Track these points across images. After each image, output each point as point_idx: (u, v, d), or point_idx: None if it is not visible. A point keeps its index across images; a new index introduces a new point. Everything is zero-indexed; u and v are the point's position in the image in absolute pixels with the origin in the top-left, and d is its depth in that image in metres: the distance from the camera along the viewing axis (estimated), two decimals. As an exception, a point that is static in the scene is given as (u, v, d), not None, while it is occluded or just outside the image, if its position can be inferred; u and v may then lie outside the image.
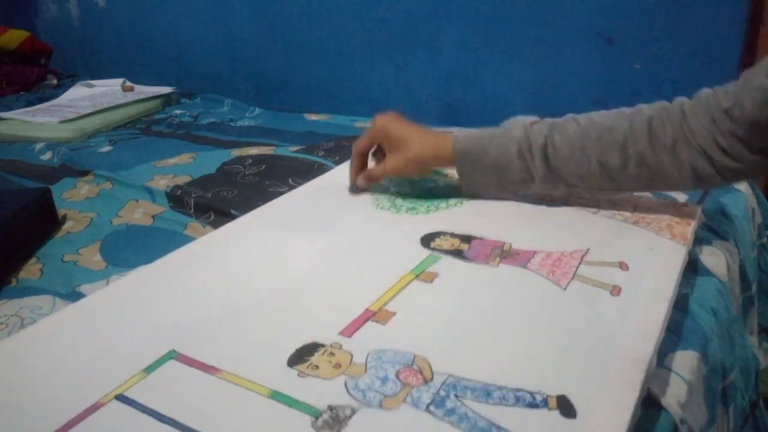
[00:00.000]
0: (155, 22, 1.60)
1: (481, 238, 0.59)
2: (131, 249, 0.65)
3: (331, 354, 0.42)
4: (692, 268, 0.57)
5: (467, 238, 0.59)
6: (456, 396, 0.38)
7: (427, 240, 0.60)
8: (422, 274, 0.53)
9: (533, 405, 0.37)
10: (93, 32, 1.75)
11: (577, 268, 0.53)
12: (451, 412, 0.36)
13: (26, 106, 1.30)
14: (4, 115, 1.19)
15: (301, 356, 0.42)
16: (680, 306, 0.51)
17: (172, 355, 0.43)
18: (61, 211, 0.73)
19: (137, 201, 0.77)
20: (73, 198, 0.79)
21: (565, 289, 0.50)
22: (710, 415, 0.46)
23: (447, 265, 0.55)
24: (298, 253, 0.59)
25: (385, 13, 1.25)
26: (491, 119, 1.20)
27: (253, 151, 0.94)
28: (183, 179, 0.83)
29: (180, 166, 0.89)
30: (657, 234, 0.58)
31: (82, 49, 1.79)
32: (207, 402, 0.39)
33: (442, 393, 0.38)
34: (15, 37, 1.49)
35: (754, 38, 0.97)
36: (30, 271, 0.61)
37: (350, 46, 1.33)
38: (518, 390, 0.38)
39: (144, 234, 0.69)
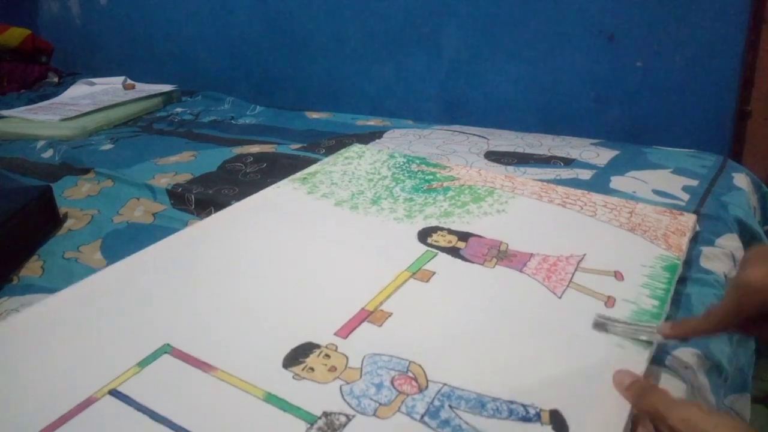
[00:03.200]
0: (156, 20, 1.60)
1: (478, 236, 0.59)
2: (132, 247, 0.64)
3: (327, 356, 0.42)
4: (693, 267, 0.57)
5: (464, 236, 0.59)
6: (450, 406, 0.38)
7: (424, 235, 0.59)
8: (418, 273, 0.53)
9: (526, 419, 0.37)
10: (94, 30, 1.75)
11: (573, 275, 0.52)
12: (446, 423, 0.36)
13: (27, 104, 1.30)
14: (5, 113, 1.19)
15: (296, 357, 0.42)
16: (681, 304, 0.51)
17: (167, 349, 0.43)
18: (62, 209, 0.73)
19: (138, 199, 0.77)
20: (74, 196, 0.79)
21: (560, 297, 0.49)
22: (713, 407, 0.46)
23: (443, 263, 0.54)
24: (295, 246, 0.58)
25: (385, 10, 1.25)
26: (492, 117, 1.20)
27: (254, 149, 0.94)
28: (184, 177, 0.83)
29: (181, 164, 0.89)
30: (652, 242, 0.58)
31: (83, 47, 1.79)
32: (202, 401, 0.38)
33: (437, 403, 0.38)
34: (16, 35, 1.49)
35: (756, 36, 0.96)
36: (31, 268, 0.61)
37: (351, 44, 1.33)
38: (512, 402, 0.38)
39: (145, 232, 0.69)
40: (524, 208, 0.65)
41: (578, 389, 0.39)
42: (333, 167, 0.77)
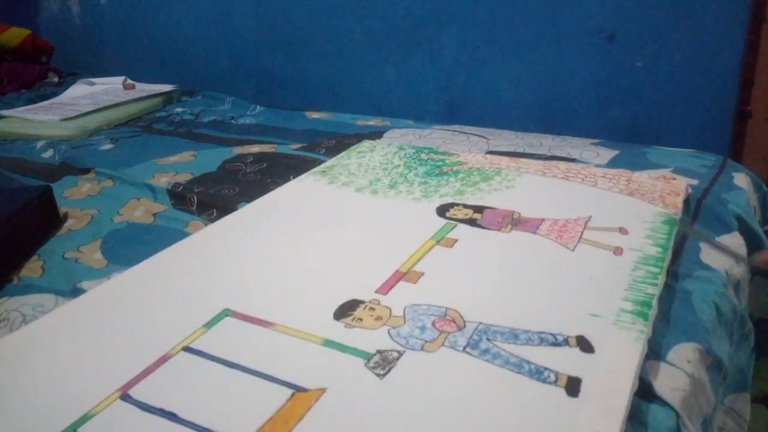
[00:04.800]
0: (156, 20, 1.60)
1: (491, 208, 0.65)
2: (132, 247, 0.65)
3: (372, 309, 0.47)
4: (694, 264, 0.57)
5: (479, 208, 0.65)
6: (488, 339, 0.43)
7: (442, 210, 0.65)
8: (442, 240, 0.58)
9: (556, 344, 0.42)
10: (94, 30, 1.75)
11: (582, 233, 0.58)
12: (486, 351, 0.42)
13: (27, 104, 1.30)
14: (5, 113, 1.19)
15: (344, 311, 0.47)
16: (682, 301, 0.51)
17: (227, 313, 0.47)
18: (62, 209, 0.73)
19: (138, 199, 0.77)
20: (75, 196, 0.79)
21: (573, 250, 0.55)
22: (712, 408, 0.46)
23: (464, 232, 0.60)
24: (328, 223, 0.64)
25: (386, 10, 1.25)
26: (492, 117, 1.20)
27: (255, 149, 0.94)
28: (184, 177, 0.83)
29: (181, 164, 0.89)
30: (651, 203, 0.64)
31: (84, 46, 1.78)
32: (266, 350, 0.42)
33: (476, 337, 0.43)
34: (16, 35, 1.49)
35: (756, 36, 0.96)
36: (31, 268, 0.61)
37: (351, 44, 1.33)
38: (542, 332, 0.43)
39: (145, 232, 0.69)
40: (530, 183, 0.71)
41: (596, 320, 0.44)
42: (348, 161, 0.82)
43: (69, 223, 0.71)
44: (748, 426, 0.62)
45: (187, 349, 0.43)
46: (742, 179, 0.79)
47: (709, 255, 0.59)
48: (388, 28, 1.27)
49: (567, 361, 0.40)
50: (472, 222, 0.61)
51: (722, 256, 0.60)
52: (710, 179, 0.77)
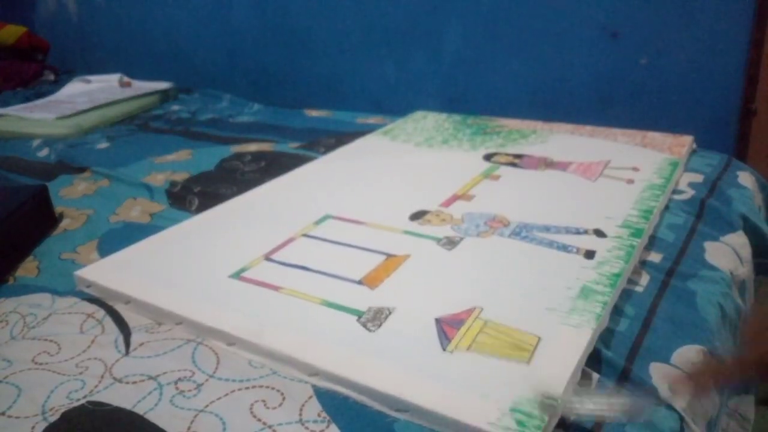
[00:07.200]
0: (153, 17, 1.59)
1: (529, 156, 0.81)
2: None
3: (437, 214, 0.64)
4: (699, 264, 0.57)
5: (519, 155, 0.82)
6: (527, 231, 0.60)
7: (488, 156, 0.82)
8: (489, 176, 0.75)
9: (578, 232, 0.59)
10: (90, 27, 1.73)
11: (602, 171, 0.75)
12: (525, 237, 0.59)
13: (23, 102, 1.28)
14: (0, 111, 1.18)
15: (418, 215, 0.64)
16: (687, 301, 0.51)
17: (329, 216, 0.65)
18: (58, 209, 0.72)
19: (135, 198, 0.76)
20: (70, 195, 0.78)
21: (594, 181, 0.72)
22: (716, 409, 0.46)
23: (506, 170, 0.77)
24: (400, 163, 0.82)
25: (386, 7, 1.24)
26: (494, 115, 1.19)
27: (252, 147, 0.93)
28: (181, 176, 0.82)
29: (178, 163, 0.88)
30: (660, 152, 0.80)
31: (80, 44, 1.77)
32: (362, 236, 0.60)
33: (517, 230, 0.60)
34: (12, 32, 1.48)
35: (760, 34, 0.96)
36: (27, 269, 0.60)
37: (351, 41, 1.32)
38: (567, 227, 0.60)
39: (142, 232, 0.68)
40: (561, 140, 0.88)
41: (609, 221, 0.61)
42: (404, 125, 0.99)
43: (65, 223, 0.70)
44: (752, 428, 0.61)
45: (305, 235, 0.61)
46: (746, 178, 0.78)
47: (713, 255, 0.58)
48: (388, 24, 1.26)
49: (585, 243, 0.57)
50: (513, 164, 0.78)
51: (726, 256, 0.59)
52: (714, 178, 0.76)
